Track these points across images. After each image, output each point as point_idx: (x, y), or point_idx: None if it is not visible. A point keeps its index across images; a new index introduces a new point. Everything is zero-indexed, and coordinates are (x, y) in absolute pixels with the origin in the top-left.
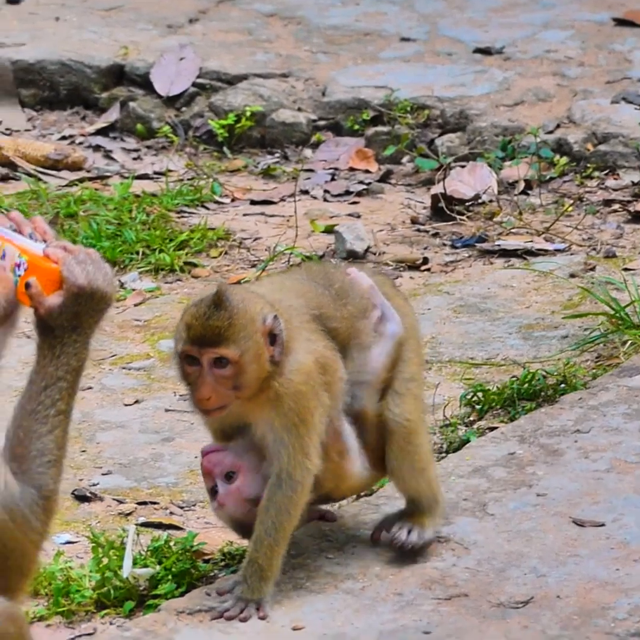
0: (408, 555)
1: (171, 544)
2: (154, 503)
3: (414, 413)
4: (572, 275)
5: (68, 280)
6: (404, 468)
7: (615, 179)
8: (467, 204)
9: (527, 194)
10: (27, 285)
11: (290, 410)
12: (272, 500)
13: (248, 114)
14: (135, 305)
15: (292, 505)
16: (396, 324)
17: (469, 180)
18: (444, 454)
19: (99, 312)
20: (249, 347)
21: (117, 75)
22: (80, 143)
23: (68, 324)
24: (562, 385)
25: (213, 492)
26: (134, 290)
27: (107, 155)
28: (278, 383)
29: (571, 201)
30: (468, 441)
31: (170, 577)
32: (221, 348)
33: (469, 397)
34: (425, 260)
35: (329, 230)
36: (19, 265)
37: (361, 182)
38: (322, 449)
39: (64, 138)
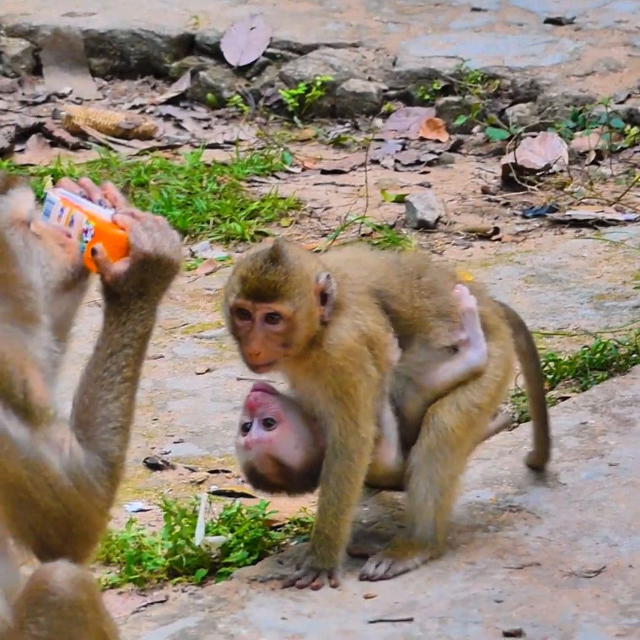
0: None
1: (243, 512)
2: (226, 471)
3: (462, 432)
4: None
5: (134, 246)
6: (423, 476)
7: None
8: (537, 173)
9: (598, 164)
10: (93, 251)
11: (331, 385)
12: (331, 471)
13: (318, 83)
14: (206, 274)
15: (351, 474)
16: (478, 356)
17: (540, 150)
18: (515, 424)
19: (166, 280)
20: (302, 304)
21: (188, 44)
22: (151, 112)
23: (134, 290)
24: (634, 355)
25: (244, 428)
26: (204, 259)
27: (178, 124)
28: (316, 355)
29: None
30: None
31: (242, 545)
32: (276, 303)
33: (540, 366)
34: (496, 230)
35: (400, 200)
36: (86, 232)
37: (432, 152)
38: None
39: (134, 107)
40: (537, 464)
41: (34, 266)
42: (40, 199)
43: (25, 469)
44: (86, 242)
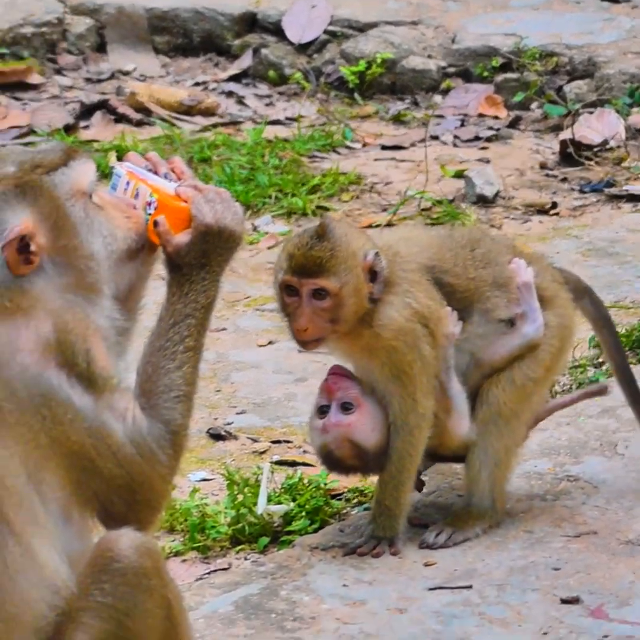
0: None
1: (304, 481)
2: (288, 442)
3: (516, 405)
4: None
5: (196, 218)
6: (478, 448)
7: None
8: (595, 149)
9: None
10: (155, 223)
11: (387, 365)
12: (393, 447)
13: (379, 60)
14: (268, 248)
15: (410, 449)
16: (535, 329)
17: (597, 126)
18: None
19: (228, 251)
20: (349, 280)
21: (250, 22)
22: (213, 89)
23: (196, 262)
24: None
25: (321, 410)
26: (266, 233)
27: (240, 101)
28: (369, 334)
29: None
30: (597, 382)
31: (303, 513)
32: (321, 279)
33: (597, 339)
34: (554, 205)
35: (459, 175)
36: (150, 204)
37: (490, 128)
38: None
39: (197, 84)
40: None
41: (95, 237)
42: (104, 172)
43: (89, 437)
44: (150, 214)
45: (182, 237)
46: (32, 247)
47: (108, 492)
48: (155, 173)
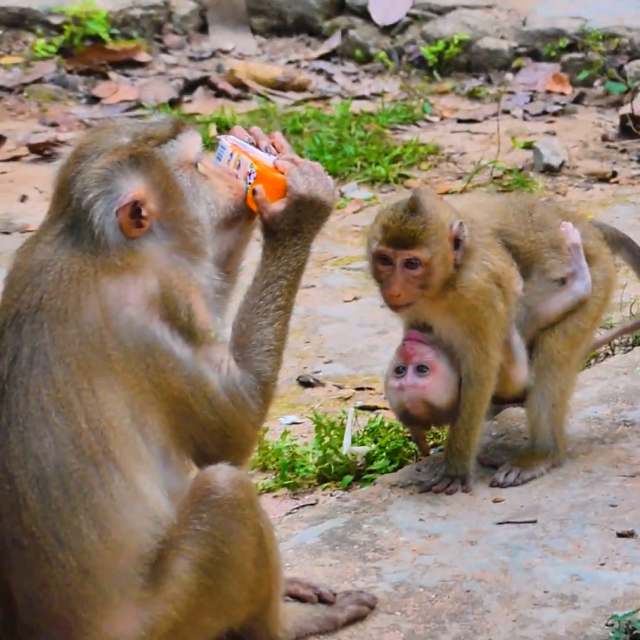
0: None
1: (385, 425)
2: (370, 389)
3: (568, 352)
4: None
5: (290, 188)
6: (535, 392)
7: None
8: None
9: None
10: (254, 192)
11: (466, 322)
12: (465, 396)
13: (456, 41)
14: (354, 212)
15: (480, 397)
16: (584, 286)
17: None
18: (630, 348)
19: (319, 219)
20: (438, 250)
21: (339, 6)
22: (305, 67)
23: (289, 228)
24: None
25: (398, 370)
26: (352, 199)
27: (329, 78)
28: (452, 296)
29: None
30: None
31: (384, 454)
32: (415, 250)
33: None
34: (614, 174)
35: (528, 146)
36: (250, 174)
37: (557, 103)
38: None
39: (290, 62)
40: None
41: (200, 204)
42: (205, 143)
43: (188, 385)
44: (249, 183)
45: (277, 206)
46: (143, 212)
47: (203, 435)
48: (257, 146)
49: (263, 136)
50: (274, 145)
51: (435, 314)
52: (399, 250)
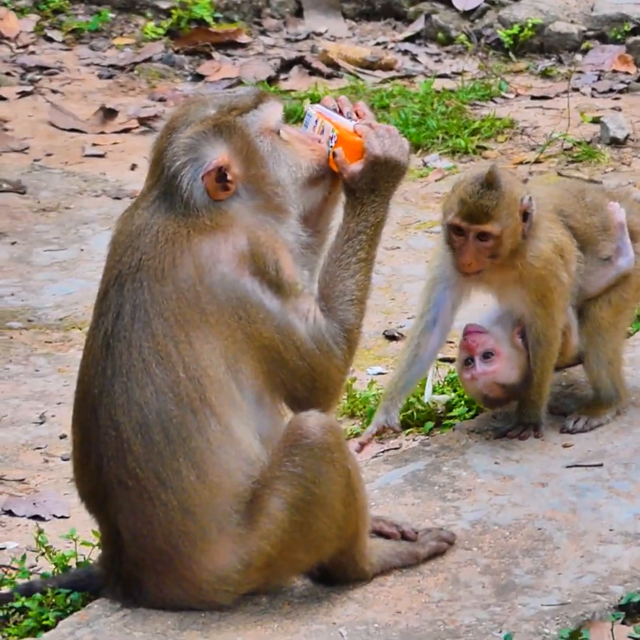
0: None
1: None
2: (450, 342)
3: (612, 319)
4: None
5: (367, 150)
6: (590, 356)
7: None
8: None
9: None
10: (334, 154)
11: (534, 291)
12: (536, 356)
13: (530, 25)
14: (436, 180)
15: (550, 355)
16: (627, 261)
17: None
18: None
19: (394, 178)
20: (509, 223)
21: None
22: (391, 48)
23: (367, 187)
24: None
25: (466, 362)
26: (434, 168)
27: (413, 58)
28: (522, 266)
29: None
30: None
31: (462, 402)
32: (488, 225)
33: None
34: None
35: (596, 120)
36: (331, 139)
37: (622, 82)
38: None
39: (378, 44)
40: None
41: (281, 166)
42: (300, 117)
43: (277, 334)
44: (331, 147)
45: (355, 166)
46: (229, 177)
47: (293, 380)
48: (341, 113)
49: (347, 103)
50: (356, 113)
51: (504, 283)
52: (472, 224)
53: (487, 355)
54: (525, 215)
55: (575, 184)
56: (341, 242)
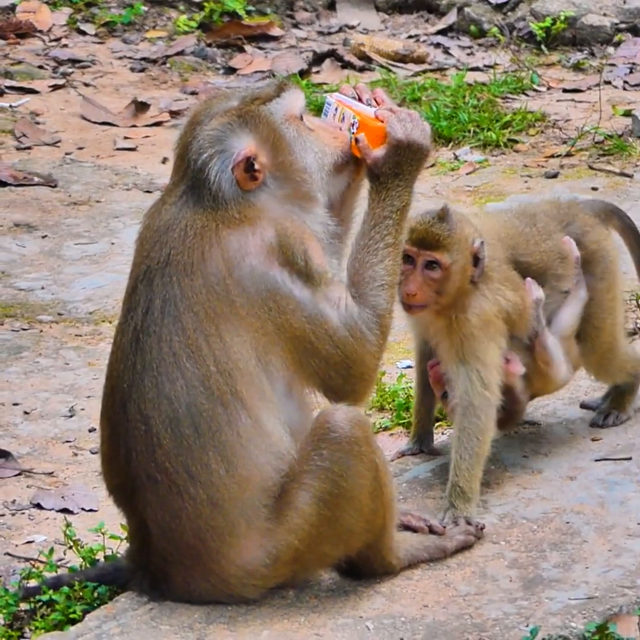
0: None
1: None
2: None
3: (613, 336)
4: None
5: (389, 134)
6: (601, 375)
7: None
8: None
9: None
10: (357, 140)
11: (462, 347)
12: (460, 428)
13: (562, 18)
14: (467, 174)
15: (479, 432)
16: (585, 293)
17: None
18: None
19: (417, 162)
20: (458, 259)
21: None
22: (424, 41)
23: (390, 171)
24: None
25: (443, 397)
26: (466, 161)
27: (446, 51)
28: (458, 319)
29: None
30: None
31: None
32: (437, 253)
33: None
34: None
35: (627, 114)
36: (353, 125)
37: None
38: (530, 359)
39: (410, 37)
40: None
41: (307, 153)
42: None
43: (308, 324)
44: (353, 133)
45: (378, 151)
46: (256, 166)
47: (326, 368)
48: (360, 100)
49: (366, 90)
50: (375, 99)
51: (438, 333)
52: (422, 250)
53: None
54: (477, 260)
55: (527, 210)
56: (368, 228)
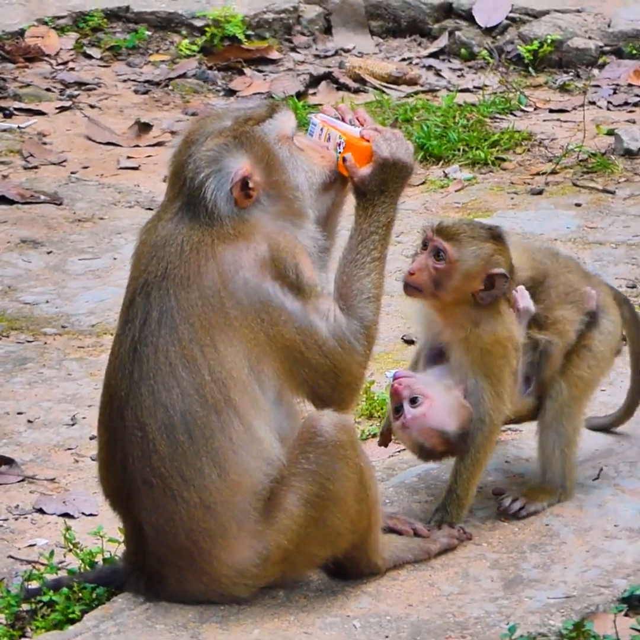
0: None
1: None
2: None
3: (580, 394)
4: None
5: (376, 153)
6: (549, 432)
7: None
8: None
9: None
10: (344, 159)
11: (477, 362)
12: (474, 438)
13: (549, 41)
14: (456, 191)
15: (488, 444)
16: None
17: None
18: None
19: (402, 179)
20: (468, 266)
21: (446, 10)
22: (416, 64)
23: (376, 188)
24: None
25: (396, 411)
26: (455, 179)
27: (437, 73)
28: (472, 333)
29: None
30: None
31: None
32: (448, 243)
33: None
34: None
35: (611, 133)
36: (339, 145)
37: (637, 95)
38: None
39: (403, 60)
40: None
41: (299, 171)
42: (306, 122)
43: (299, 334)
44: (339, 153)
45: (365, 170)
46: (251, 184)
47: (316, 377)
48: (343, 120)
49: (348, 111)
50: (357, 119)
51: (453, 342)
52: (437, 236)
53: (414, 400)
54: (491, 285)
55: (540, 252)
56: (355, 243)
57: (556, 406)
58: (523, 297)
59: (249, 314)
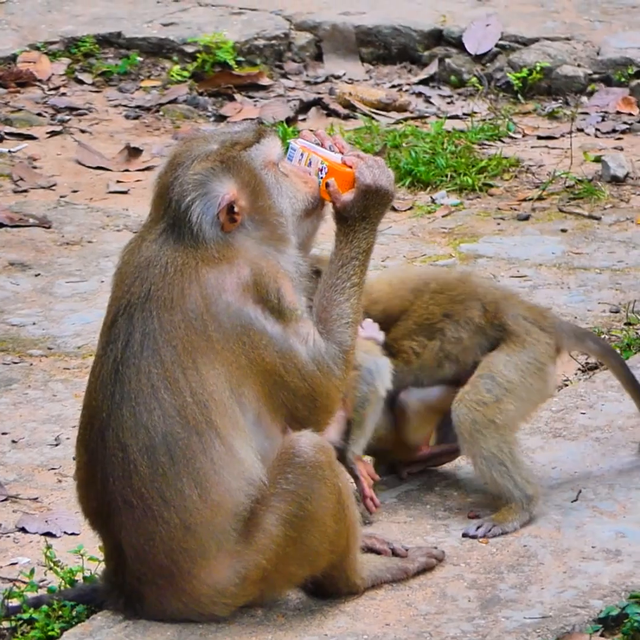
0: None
1: None
2: None
3: (490, 414)
4: None
5: (358, 180)
6: (475, 458)
7: None
8: None
9: None
10: (327, 185)
11: None
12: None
13: (538, 68)
14: (443, 216)
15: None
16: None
17: None
18: None
19: (383, 206)
20: None
21: (436, 37)
22: (406, 90)
23: (358, 214)
24: None
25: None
26: (442, 204)
27: (427, 100)
28: None
29: None
30: None
31: None
32: None
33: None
34: None
35: (598, 159)
36: (321, 170)
37: (625, 123)
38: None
39: (393, 86)
40: None
41: (283, 197)
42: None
43: (279, 358)
44: (322, 178)
45: (347, 196)
46: (236, 209)
47: (294, 400)
48: (322, 145)
49: (327, 137)
50: (335, 145)
51: None
52: None
53: None
54: None
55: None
56: (336, 268)
57: (465, 435)
58: (368, 328)
59: (230, 337)
